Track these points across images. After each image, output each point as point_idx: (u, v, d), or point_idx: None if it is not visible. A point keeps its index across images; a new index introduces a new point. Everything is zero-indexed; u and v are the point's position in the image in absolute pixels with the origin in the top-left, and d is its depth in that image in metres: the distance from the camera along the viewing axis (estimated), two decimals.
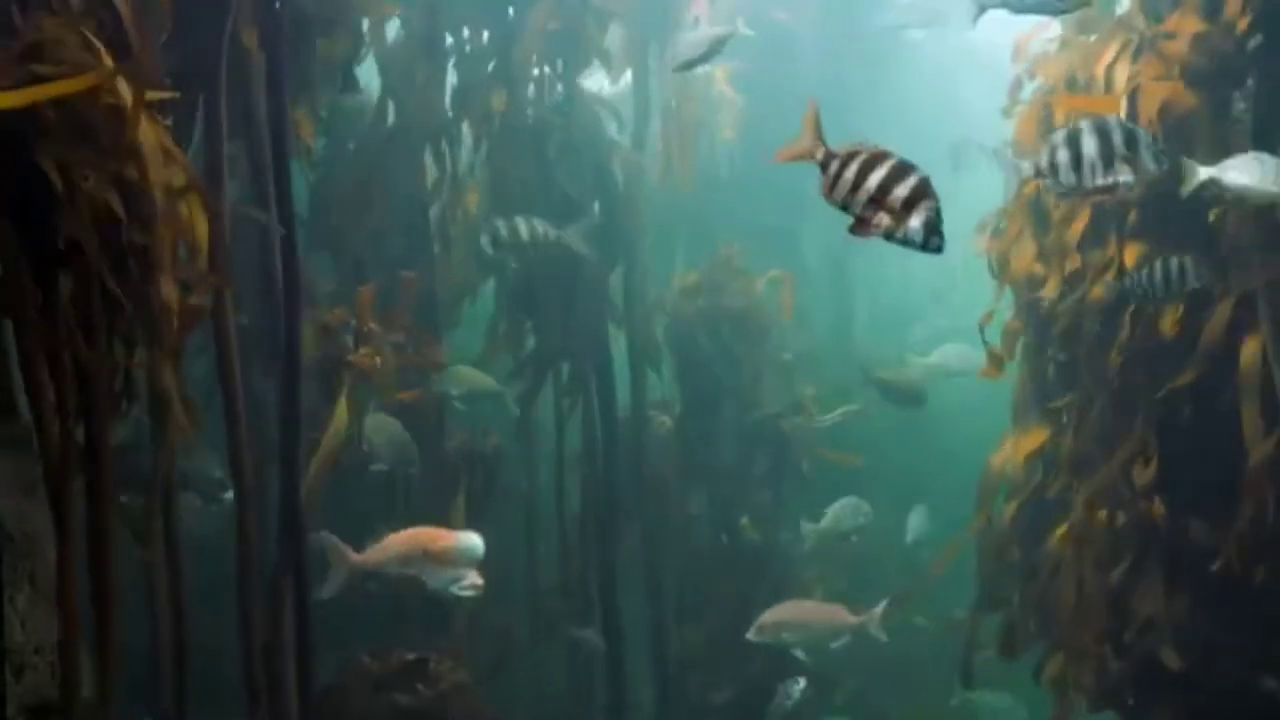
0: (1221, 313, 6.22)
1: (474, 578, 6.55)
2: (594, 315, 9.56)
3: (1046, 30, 7.29)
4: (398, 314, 7.82)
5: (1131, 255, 6.48)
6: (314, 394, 6.94)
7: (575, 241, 8.63)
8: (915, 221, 3.52)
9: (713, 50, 7.95)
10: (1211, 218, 6.18)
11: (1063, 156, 5.30)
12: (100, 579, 4.02)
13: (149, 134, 3.83)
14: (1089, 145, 5.26)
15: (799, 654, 8.87)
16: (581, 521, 9.62)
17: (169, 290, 3.89)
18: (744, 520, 10.46)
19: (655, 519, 10.07)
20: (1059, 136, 5.37)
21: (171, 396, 4.27)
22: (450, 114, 8.92)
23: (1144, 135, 5.34)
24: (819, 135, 3.65)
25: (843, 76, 12.32)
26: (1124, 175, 5.30)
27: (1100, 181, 5.31)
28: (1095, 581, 6.78)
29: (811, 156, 3.65)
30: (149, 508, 5.23)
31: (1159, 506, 6.52)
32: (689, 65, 8.21)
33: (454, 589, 6.56)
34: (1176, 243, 6.31)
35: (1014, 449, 7.52)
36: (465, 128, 8.98)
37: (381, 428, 7.80)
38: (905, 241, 3.55)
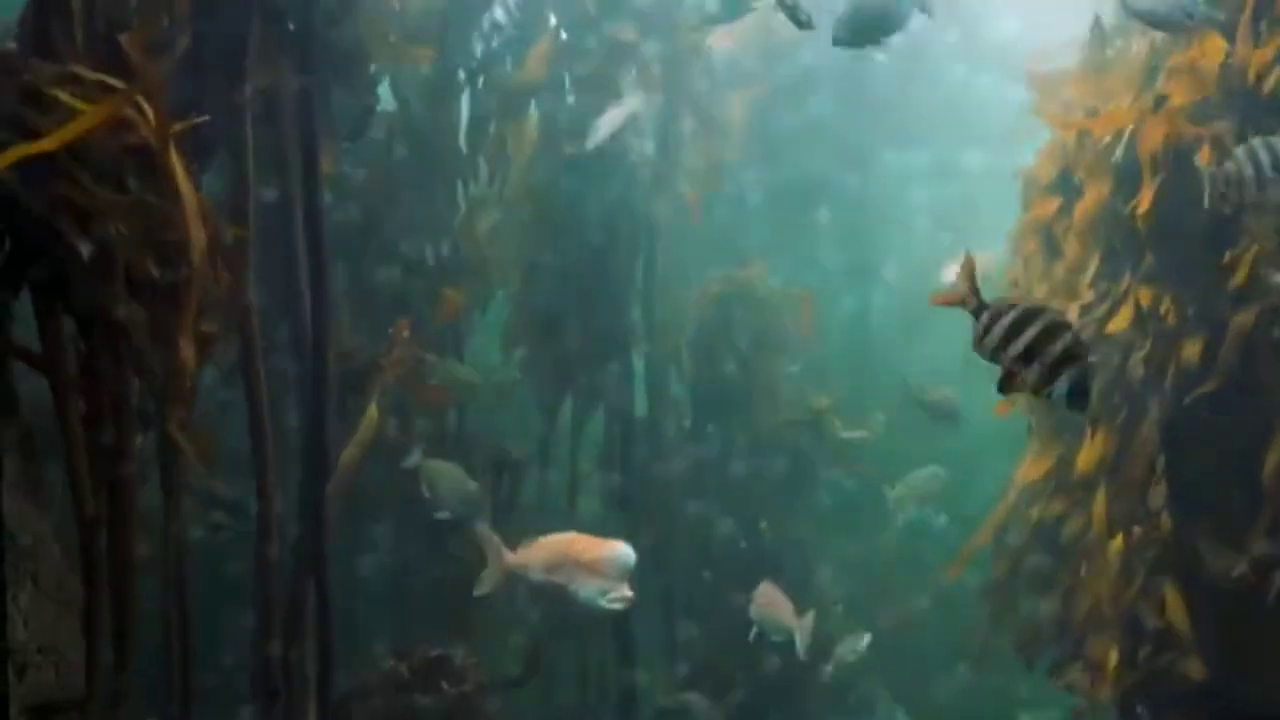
0: (1239, 327, 6.26)
1: (624, 590, 6.27)
2: (614, 323, 9.63)
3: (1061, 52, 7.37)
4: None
5: (1146, 296, 6.54)
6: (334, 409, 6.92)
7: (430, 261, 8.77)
8: (1063, 384, 3.53)
9: (623, 125, 8.65)
10: (1226, 257, 6.26)
11: (1247, 169, 5.46)
12: (122, 600, 4.04)
13: (187, 189, 3.84)
14: (1265, 159, 5.44)
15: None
16: (602, 527, 9.62)
17: (187, 350, 3.89)
18: (763, 524, 10.46)
19: (671, 524, 10.10)
20: (1242, 151, 5.53)
21: (183, 446, 4.28)
22: (464, 138, 8.94)
23: None
24: (974, 285, 3.67)
25: (848, 94, 12.35)
26: None
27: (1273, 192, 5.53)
28: (1110, 595, 6.81)
29: (965, 305, 3.68)
30: (167, 512, 5.25)
31: (1171, 522, 6.55)
32: (602, 140, 8.68)
33: (602, 601, 6.29)
34: (1190, 281, 6.41)
35: (1029, 467, 7.57)
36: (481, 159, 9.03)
37: (445, 475, 7.66)
38: (1049, 397, 3.57)
